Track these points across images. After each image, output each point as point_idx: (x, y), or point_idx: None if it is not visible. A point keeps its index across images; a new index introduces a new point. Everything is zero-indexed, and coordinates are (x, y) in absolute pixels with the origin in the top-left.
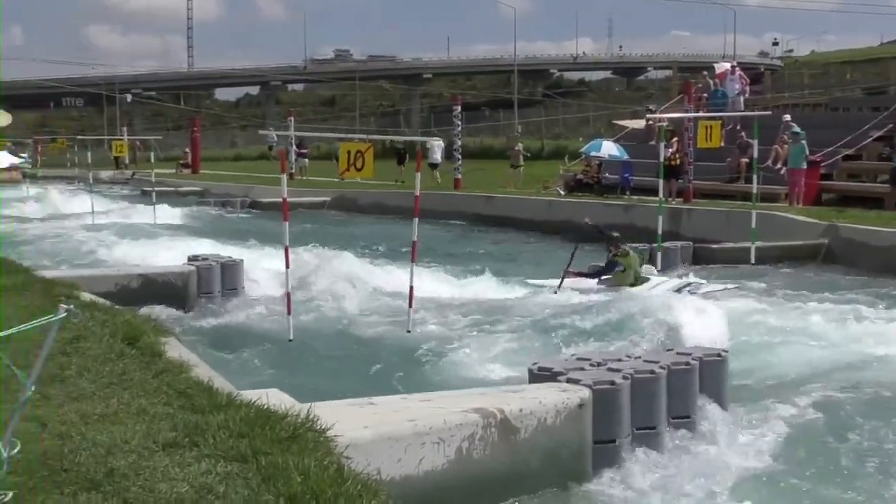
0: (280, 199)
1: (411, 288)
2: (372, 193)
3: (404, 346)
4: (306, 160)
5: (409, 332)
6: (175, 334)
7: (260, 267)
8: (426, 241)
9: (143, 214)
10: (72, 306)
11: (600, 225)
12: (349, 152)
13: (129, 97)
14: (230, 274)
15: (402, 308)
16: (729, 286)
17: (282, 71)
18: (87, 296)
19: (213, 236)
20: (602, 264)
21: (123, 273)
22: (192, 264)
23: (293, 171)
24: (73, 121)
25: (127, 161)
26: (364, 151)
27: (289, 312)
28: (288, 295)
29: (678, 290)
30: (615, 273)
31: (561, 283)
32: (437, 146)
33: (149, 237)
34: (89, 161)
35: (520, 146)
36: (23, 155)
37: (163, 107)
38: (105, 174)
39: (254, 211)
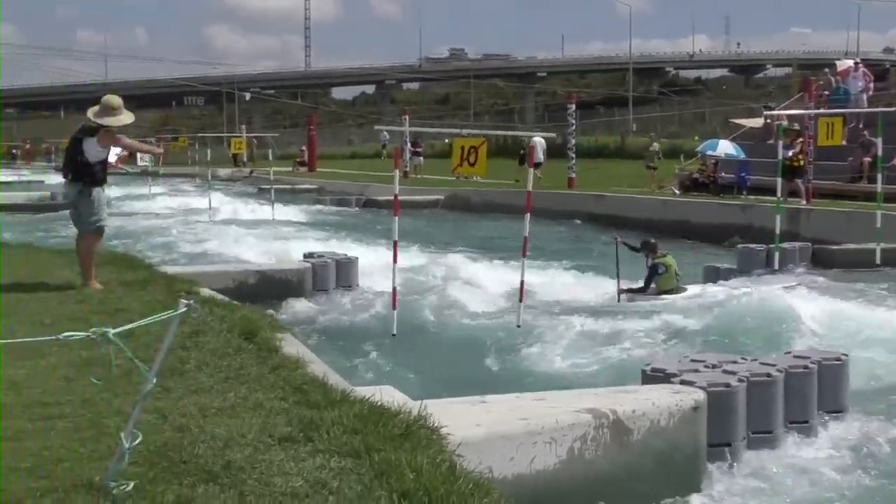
0: (392, 197)
1: (522, 282)
2: (485, 192)
3: (512, 342)
4: (421, 158)
5: (518, 326)
6: (291, 330)
7: (374, 263)
8: (536, 240)
9: (260, 211)
10: (191, 301)
11: (629, 242)
12: (462, 147)
13: (247, 95)
14: (345, 271)
15: (510, 305)
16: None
17: (397, 70)
18: (206, 291)
19: (329, 233)
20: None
21: (241, 269)
22: (307, 261)
23: (407, 169)
24: (194, 119)
25: (245, 158)
26: (478, 147)
27: (394, 307)
28: (394, 290)
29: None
30: (658, 278)
31: (619, 299)
32: (538, 144)
33: (266, 234)
34: (208, 158)
35: (655, 146)
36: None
37: (281, 104)
38: (223, 172)
39: (369, 209)
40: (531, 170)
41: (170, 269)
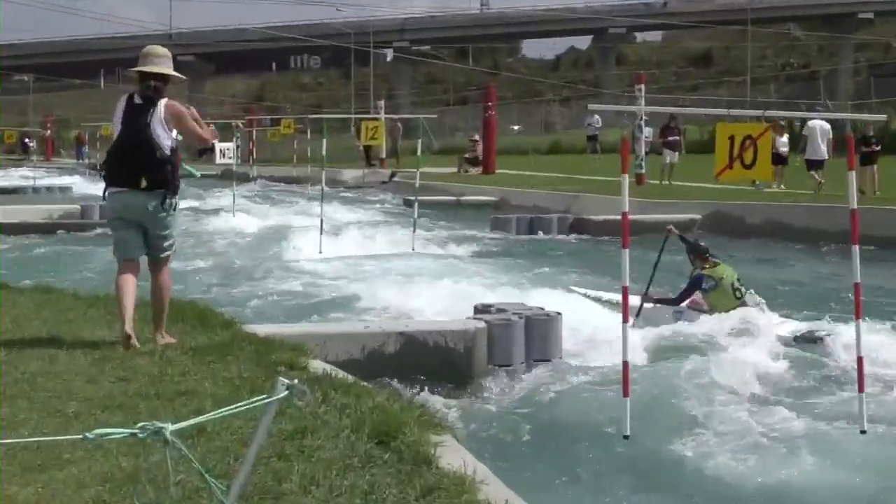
0: (619, 217)
1: (859, 359)
2: (763, 208)
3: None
4: (675, 153)
5: (863, 432)
6: (452, 430)
7: (588, 322)
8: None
9: (403, 237)
10: (296, 381)
11: (687, 235)
12: (732, 138)
13: (389, 54)
14: (540, 334)
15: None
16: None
17: (627, 11)
18: (318, 364)
19: (514, 274)
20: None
21: (374, 331)
22: (480, 318)
23: (641, 171)
24: (304, 91)
25: (383, 153)
26: (757, 137)
27: (625, 393)
28: (625, 368)
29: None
30: (706, 293)
31: (639, 312)
32: (817, 130)
33: (410, 274)
34: (324, 152)
35: None
36: (226, 146)
37: (440, 69)
38: (349, 174)
39: (579, 235)
40: (851, 173)
41: (262, 328)
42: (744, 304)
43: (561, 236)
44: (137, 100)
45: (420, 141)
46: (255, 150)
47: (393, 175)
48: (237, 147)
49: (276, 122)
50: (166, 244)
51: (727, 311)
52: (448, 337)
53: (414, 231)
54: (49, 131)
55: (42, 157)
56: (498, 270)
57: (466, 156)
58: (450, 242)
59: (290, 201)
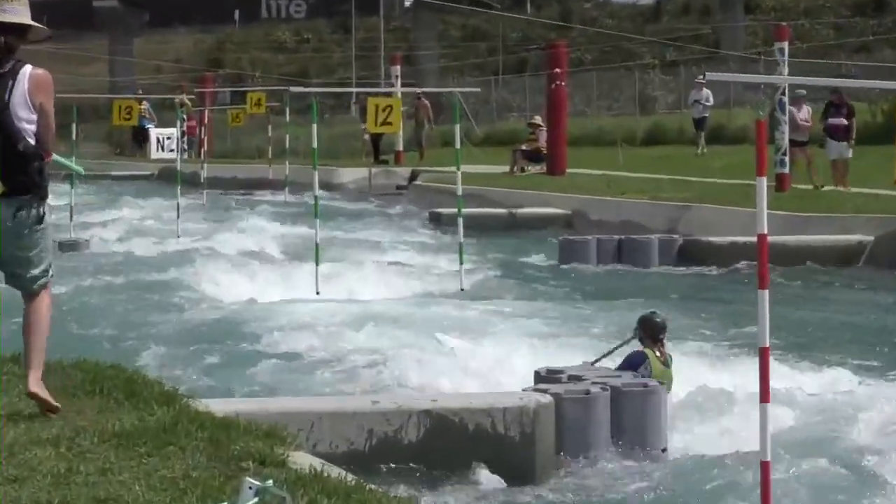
0: (752, 239)
1: None
2: None
3: None
4: (843, 144)
5: None
6: None
7: (699, 390)
8: None
9: (427, 272)
10: (269, 483)
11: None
12: None
13: None
14: (634, 412)
15: None
16: None
17: None
18: (303, 458)
19: (593, 324)
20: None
21: (387, 408)
22: (544, 389)
23: (784, 170)
24: (282, 52)
25: (399, 144)
26: None
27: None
28: (765, 467)
29: None
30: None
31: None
32: None
33: (441, 324)
34: (314, 144)
35: None
36: (168, 133)
37: (485, 20)
38: (350, 175)
39: (689, 264)
40: None
41: (221, 404)
42: None
43: (664, 267)
44: None
45: (457, 126)
46: (207, 139)
47: (414, 176)
48: (182, 135)
49: (240, 97)
50: (37, 271)
51: None
52: (496, 417)
53: (461, 264)
54: None
55: None
56: (570, 319)
57: (524, 147)
58: (499, 277)
59: (259, 216)
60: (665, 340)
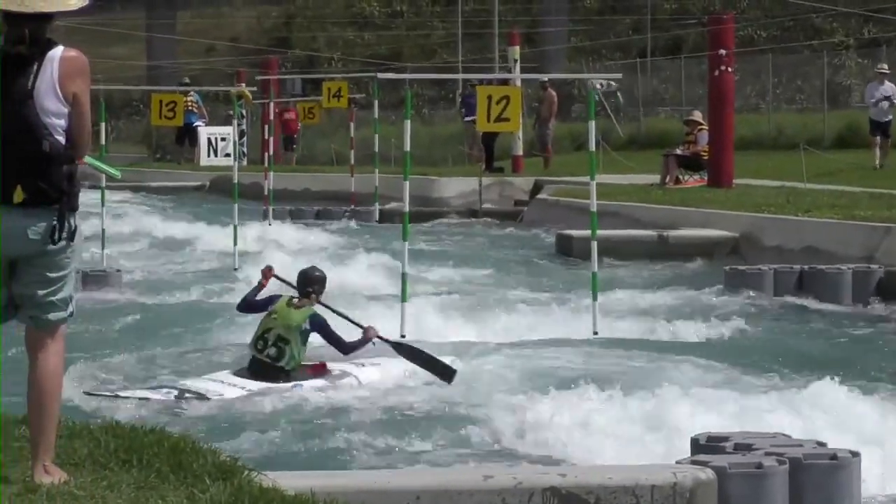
0: None
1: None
2: None
3: None
4: None
5: None
6: None
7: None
8: None
9: (550, 310)
10: None
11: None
12: None
13: None
14: (820, 487)
15: None
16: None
17: None
18: None
19: (769, 378)
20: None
21: (505, 484)
22: (704, 462)
23: None
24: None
25: (518, 148)
26: None
27: None
28: None
29: None
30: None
31: None
32: None
33: (574, 379)
34: (406, 147)
35: None
36: (221, 132)
37: None
38: (454, 187)
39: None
40: None
41: (294, 479)
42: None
43: (859, 306)
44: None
45: (591, 124)
46: (274, 139)
47: (537, 189)
48: (240, 135)
49: (314, 87)
50: (57, 299)
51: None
52: (642, 497)
53: (594, 300)
54: None
55: None
56: (739, 370)
57: (678, 151)
58: (644, 317)
59: (339, 239)
60: (315, 296)
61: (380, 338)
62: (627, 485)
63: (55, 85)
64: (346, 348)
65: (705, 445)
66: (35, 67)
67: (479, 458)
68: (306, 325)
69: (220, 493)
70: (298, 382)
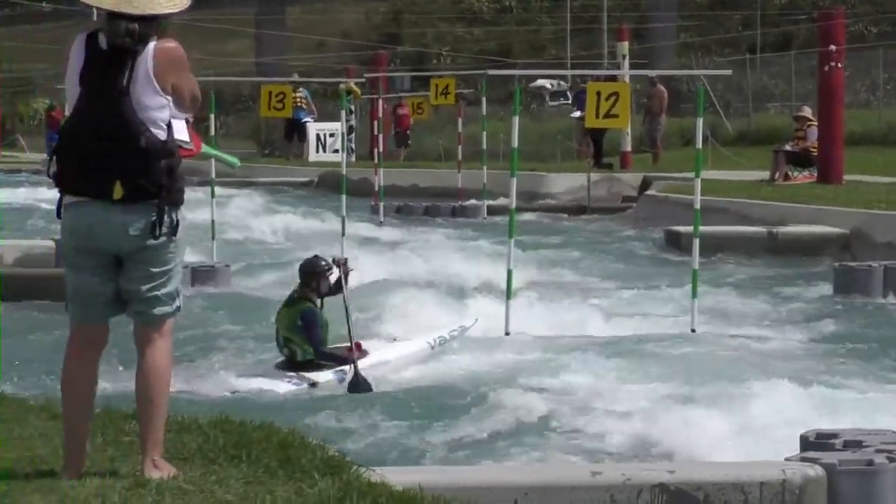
0: None
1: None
2: None
3: None
4: None
5: None
6: None
7: None
8: None
9: (659, 309)
10: None
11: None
12: None
13: None
14: None
15: None
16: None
17: None
18: None
19: (880, 374)
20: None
21: (610, 480)
22: (813, 458)
23: None
24: (475, 25)
25: (627, 144)
26: None
27: None
28: None
29: None
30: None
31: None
32: None
33: (676, 375)
34: (514, 143)
35: None
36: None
37: None
38: (562, 183)
39: None
40: None
41: (395, 473)
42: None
43: None
44: (105, 45)
45: (699, 120)
46: (382, 136)
47: (645, 185)
48: (348, 130)
49: (423, 83)
50: (162, 293)
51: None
52: (751, 494)
53: (694, 297)
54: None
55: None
56: (848, 367)
57: (788, 147)
58: (754, 311)
59: (446, 236)
60: (314, 284)
61: (355, 367)
62: (736, 481)
63: (151, 78)
64: (320, 354)
65: (814, 442)
66: (130, 63)
67: (586, 454)
68: (299, 321)
69: (329, 489)
70: (341, 369)
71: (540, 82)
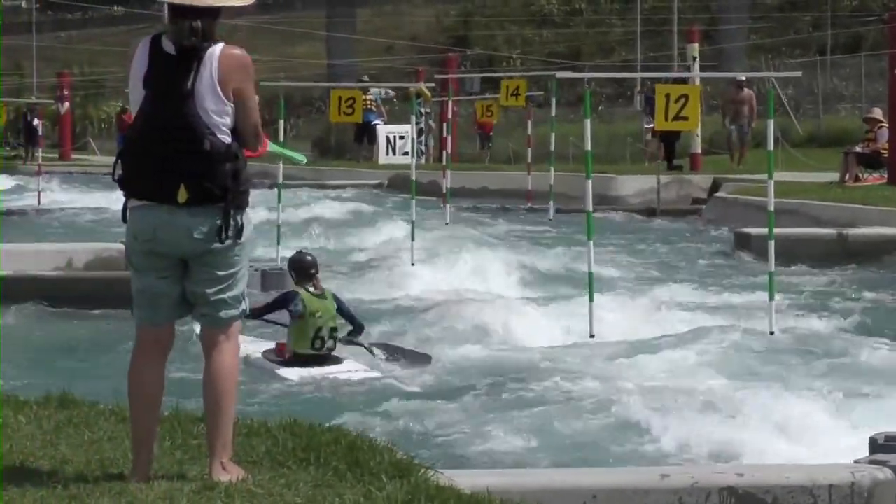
0: None
1: None
2: None
3: None
4: None
5: None
6: None
7: None
8: None
9: (728, 309)
10: None
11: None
12: None
13: None
14: None
15: None
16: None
17: None
18: None
19: None
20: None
21: (681, 483)
22: (883, 461)
23: None
24: (545, 26)
25: (697, 145)
26: None
27: None
28: None
29: None
30: (292, 320)
31: None
32: None
33: (742, 375)
34: (587, 146)
35: None
36: (400, 130)
37: None
38: (633, 185)
39: None
40: None
41: (464, 476)
42: (324, 357)
43: None
44: (169, 48)
45: (770, 122)
46: (450, 138)
47: (716, 187)
48: (422, 133)
49: (493, 85)
50: (228, 296)
51: (302, 359)
52: (820, 497)
53: (771, 299)
54: (66, 104)
55: (55, 150)
56: None
57: (858, 149)
58: (823, 318)
59: (517, 237)
60: (318, 275)
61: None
62: (805, 484)
63: (215, 83)
64: (357, 324)
65: (884, 445)
66: (195, 65)
67: (654, 457)
68: (336, 305)
69: (397, 492)
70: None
71: None
